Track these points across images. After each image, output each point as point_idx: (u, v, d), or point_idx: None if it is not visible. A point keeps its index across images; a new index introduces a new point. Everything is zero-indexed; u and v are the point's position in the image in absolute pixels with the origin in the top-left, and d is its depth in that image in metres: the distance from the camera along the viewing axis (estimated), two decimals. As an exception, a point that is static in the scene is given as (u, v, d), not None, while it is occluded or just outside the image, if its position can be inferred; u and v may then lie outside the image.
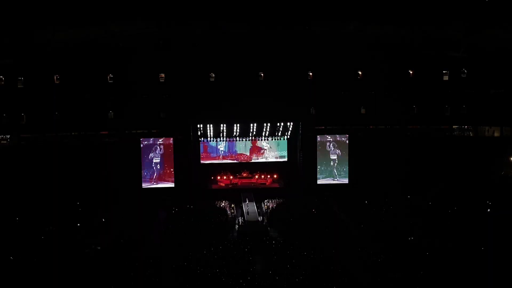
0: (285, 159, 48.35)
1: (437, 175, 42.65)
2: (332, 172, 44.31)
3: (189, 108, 43.23)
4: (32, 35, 38.60)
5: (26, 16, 35.52)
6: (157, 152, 43.52)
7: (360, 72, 44.52)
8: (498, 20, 38.09)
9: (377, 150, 43.38)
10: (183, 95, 43.37)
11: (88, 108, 42.91)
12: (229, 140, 47.25)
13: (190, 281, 24.35)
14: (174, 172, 43.41)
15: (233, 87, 43.12)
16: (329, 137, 44.55)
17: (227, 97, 43.05)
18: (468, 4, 36.73)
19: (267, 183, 46.53)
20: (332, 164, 44.33)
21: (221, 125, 45.27)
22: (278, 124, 46.12)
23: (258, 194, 43.38)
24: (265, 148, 48.45)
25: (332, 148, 44.31)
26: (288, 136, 47.53)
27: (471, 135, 47.48)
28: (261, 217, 37.34)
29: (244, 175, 46.98)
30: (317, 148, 44.32)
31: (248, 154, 48.25)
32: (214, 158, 48.04)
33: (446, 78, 44.96)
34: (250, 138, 47.31)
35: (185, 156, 43.84)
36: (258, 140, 47.70)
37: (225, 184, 46.14)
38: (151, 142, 43.63)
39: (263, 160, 48.25)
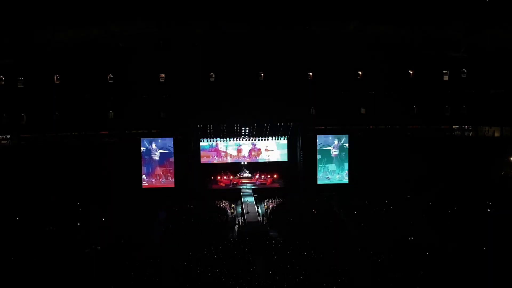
0: (285, 159, 48.33)
1: (437, 175, 42.63)
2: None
3: (189, 108, 43.22)
4: (32, 35, 38.59)
5: (26, 16, 35.52)
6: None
7: (360, 72, 44.52)
8: (498, 20, 38.08)
9: (377, 150, 43.35)
10: (183, 95, 43.36)
11: (88, 108, 42.90)
12: (229, 140, 47.30)
13: (190, 281, 24.35)
14: (174, 172, 43.41)
15: (233, 87, 43.11)
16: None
17: (227, 97, 43.04)
18: (468, 4, 36.73)
19: (267, 183, 46.52)
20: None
21: (221, 125, 45.27)
22: (278, 124, 46.10)
23: (258, 194, 43.38)
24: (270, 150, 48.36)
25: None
26: (288, 136, 47.54)
27: (471, 135, 47.46)
28: (261, 217, 37.33)
29: (244, 175, 46.97)
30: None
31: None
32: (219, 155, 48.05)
33: (446, 78, 44.95)
34: (250, 138, 47.34)
35: (185, 156, 43.85)
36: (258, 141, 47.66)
37: (225, 184, 46.13)
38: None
39: (263, 160, 48.21)
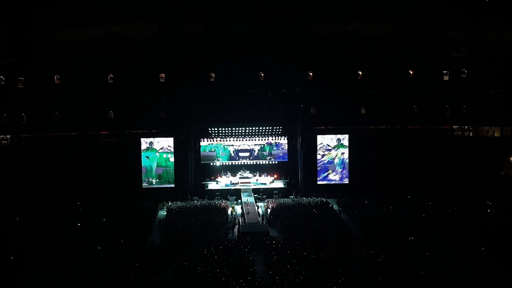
0: (285, 159, 48.29)
1: (437, 175, 42.63)
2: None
3: (189, 108, 43.23)
4: (32, 35, 38.61)
5: (26, 16, 35.54)
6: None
7: (360, 72, 44.56)
8: (498, 20, 38.08)
9: (377, 150, 43.38)
10: (183, 95, 43.37)
11: (88, 108, 42.93)
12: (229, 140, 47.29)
13: (190, 281, 24.34)
14: (174, 172, 43.41)
15: (233, 87, 43.13)
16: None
17: (227, 97, 43.07)
18: (468, 4, 36.73)
19: (267, 183, 46.47)
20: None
21: (221, 125, 45.27)
22: (278, 124, 46.10)
23: (258, 194, 43.33)
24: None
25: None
26: (288, 136, 47.51)
27: (471, 135, 47.47)
28: (261, 217, 37.32)
29: (244, 175, 46.92)
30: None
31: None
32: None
33: (446, 78, 44.98)
34: (250, 138, 47.35)
35: (185, 156, 43.83)
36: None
37: (225, 184, 46.10)
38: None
39: (263, 160, 48.20)
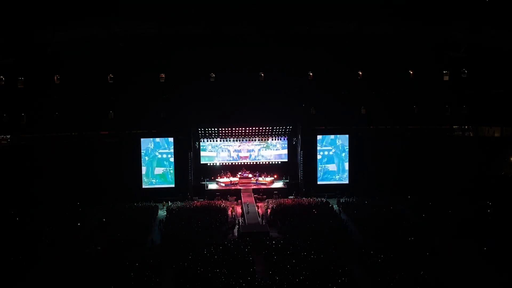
0: (285, 159, 48.31)
1: (438, 175, 42.62)
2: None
3: (189, 108, 43.22)
4: (32, 35, 38.57)
5: (26, 16, 35.50)
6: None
7: (360, 72, 44.49)
8: (498, 20, 38.05)
9: (377, 150, 43.36)
10: (183, 95, 43.34)
11: (88, 108, 42.89)
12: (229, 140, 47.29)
13: (190, 281, 24.34)
14: (174, 172, 43.42)
15: (233, 87, 43.08)
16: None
17: (227, 97, 43.02)
18: (468, 4, 36.70)
19: (267, 183, 46.49)
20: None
21: (222, 125, 45.26)
22: (278, 124, 46.08)
23: (258, 194, 43.34)
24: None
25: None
26: (288, 136, 47.53)
27: (471, 135, 47.44)
28: (261, 217, 37.31)
29: (244, 175, 46.94)
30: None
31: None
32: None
33: (446, 78, 44.90)
34: (250, 138, 47.35)
35: (185, 156, 43.84)
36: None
37: (225, 184, 46.11)
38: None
39: (264, 160, 48.20)
